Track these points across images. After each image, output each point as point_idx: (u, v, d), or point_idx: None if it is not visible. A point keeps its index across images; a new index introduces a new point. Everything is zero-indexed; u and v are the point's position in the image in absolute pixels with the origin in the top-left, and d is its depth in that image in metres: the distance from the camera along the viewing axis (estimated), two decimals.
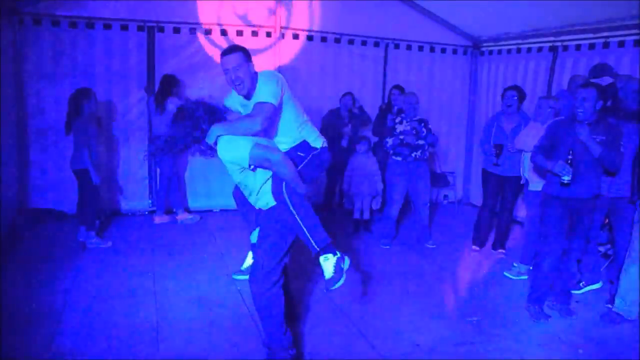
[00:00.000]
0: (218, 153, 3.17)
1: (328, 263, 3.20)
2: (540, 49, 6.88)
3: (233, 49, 3.32)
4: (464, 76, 8.23)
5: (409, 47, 7.84)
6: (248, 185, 3.37)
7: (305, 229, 3.19)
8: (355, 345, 3.81)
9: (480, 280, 5.11)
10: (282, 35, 7.18)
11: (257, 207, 3.47)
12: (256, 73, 3.33)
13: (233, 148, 3.10)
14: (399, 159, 5.82)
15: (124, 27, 6.58)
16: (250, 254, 3.99)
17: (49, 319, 3.96)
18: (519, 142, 5.18)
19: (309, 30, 7.31)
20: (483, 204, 5.90)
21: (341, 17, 7.34)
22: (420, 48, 7.91)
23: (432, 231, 6.26)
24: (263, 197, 3.35)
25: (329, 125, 6.95)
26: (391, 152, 5.85)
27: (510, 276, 5.12)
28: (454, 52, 8.10)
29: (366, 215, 6.47)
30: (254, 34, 7.08)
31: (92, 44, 6.51)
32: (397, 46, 7.78)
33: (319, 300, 4.49)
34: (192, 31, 6.84)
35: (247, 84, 3.25)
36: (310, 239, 3.18)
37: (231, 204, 6.69)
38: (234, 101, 3.52)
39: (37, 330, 3.79)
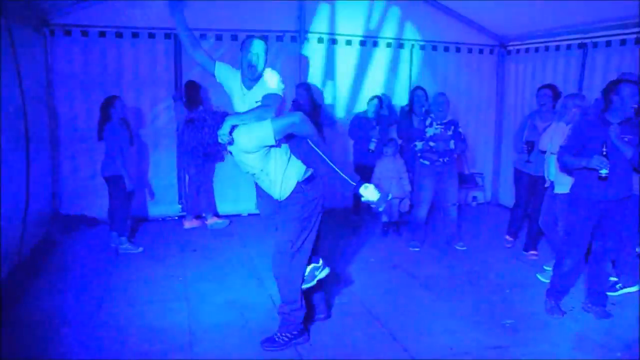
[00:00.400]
0: (239, 144, 3.34)
1: (369, 191, 3.55)
2: (569, 46, 6.76)
3: (262, 37, 3.65)
4: (491, 76, 8.13)
5: (434, 48, 7.79)
6: (270, 172, 3.51)
7: (339, 170, 3.51)
8: (387, 349, 3.78)
9: (513, 283, 5.01)
10: (307, 39, 7.19)
11: (281, 198, 3.61)
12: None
13: (256, 130, 3.31)
14: (426, 162, 5.78)
15: (151, 35, 6.69)
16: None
17: (84, 324, 4.02)
18: (543, 143, 5.11)
19: (334, 34, 7.31)
20: (515, 203, 5.83)
21: (366, 19, 7.33)
22: (446, 49, 7.84)
23: (462, 233, 6.20)
24: (289, 181, 3.54)
25: (357, 128, 6.94)
26: (419, 155, 5.80)
27: (543, 279, 5.02)
28: (480, 51, 8.01)
29: (395, 218, 6.43)
30: (279, 38, 7.12)
31: (120, 53, 6.63)
32: (422, 47, 7.73)
33: (350, 302, 4.48)
34: (218, 37, 6.90)
35: (260, 71, 3.57)
36: (346, 177, 3.53)
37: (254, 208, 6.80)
38: (229, 77, 3.72)
39: (72, 335, 3.85)
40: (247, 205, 7.13)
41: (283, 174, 3.54)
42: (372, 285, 4.90)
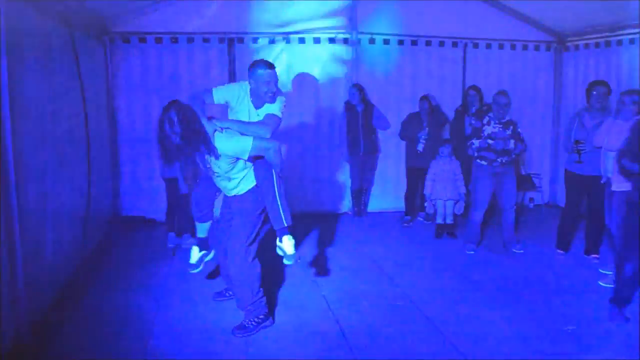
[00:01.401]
0: (218, 146, 3.54)
1: (290, 243, 3.80)
2: (632, 41, 6.48)
3: (273, 65, 3.91)
4: (548, 74, 7.89)
5: (488, 46, 7.63)
6: (232, 175, 3.77)
7: (280, 206, 3.76)
8: (442, 353, 3.71)
9: (573, 288, 4.83)
10: (359, 41, 7.18)
11: (232, 194, 3.89)
12: None
13: (236, 141, 3.58)
14: (484, 162, 5.65)
15: (206, 40, 6.83)
16: (195, 249, 4.24)
17: (143, 322, 4.13)
18: (598, 140, 4.92)
19: (385, 34, 7.27)
20: (566, 205, 5.65)
21: (418, 18, 7.25)
22: (501, 46, 7.67)
23: (519, 236, 6.04)
24: (245, 183, 3.83)
25: (407, 130, 6.88)
26: (475, 154, 5.68)
27: (605, 284, 4.81)
28: (536, 48, 7.80)
29: (449, 220, 6.34)
30: (331, 40, 7.14)
31: (176, 58, 6.80)
32: (476, 45, 7.58)
33: (404, 305, 4.43)
34: (271, 41, 6.98)
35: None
36: (282, 214, 3.78)
37: (306, 209, 6.89)
38: (228, 96, 3.95)
39: (131, 332, 3.96)
40: (295, 206, 7.18)
41: (242, 179, 3.81)
42: (426, 288, 4.83)
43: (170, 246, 5.82)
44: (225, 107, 4.09)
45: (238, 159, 3.67)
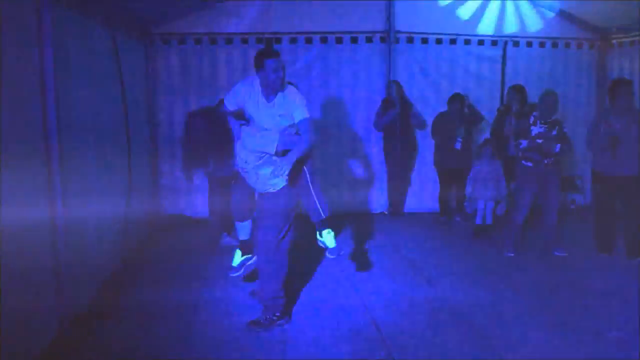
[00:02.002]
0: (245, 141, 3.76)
1: (330, 236, 3.98)
2: None
3: (279, 53, 3.88)
4: (591, 72, 7.71)
5: (529, 44, 7.48)
6: (261, 171, 3.81)
7: (316, 199, 3.87)
8: (481, 356, 3.64)
9: (617, 292, 4.68)
10: (397, 40, 7.13)
11: (265, 190, 3.89)
12: None
13: (261, 138, 3.78)
14: (529, 163, 5.51)
15: (244, 41, 6.88)
16: (237, 252, 4.32)
17: (182, 319, 4.17)
18: None
19: (423, 33, 7.20)
20: (598, 208, 5.54)
21: (457, 17, 7.17)
22: (542, 44, 7.51)
23: (561, 238, 5.89)
24: (278, 180, 3.77)
25: (441, 127, 6.80)
26: (521, 155, 5.55)
27: None
28: (579, 46, 7.62)
29: (489, 221, 6.23)
30: (368, 39, 7.11)
31: (215, 58, 6.89)
32: (516, 44, 7.44)
33: (442, 307, 4.37)
34: (308, 40, 6.99)
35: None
36: (319, 207, 3.89)
37: (342, 208, 6.88)
38: (239, 100, 3.92)
39: (170, 329, 4.00)
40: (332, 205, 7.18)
41: (272, 176, 3.75)
42: (465, 290, 4.76)
43: (225, 245, 5.87)
44: None
45: (266, 153, 3.75)
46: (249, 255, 4.24)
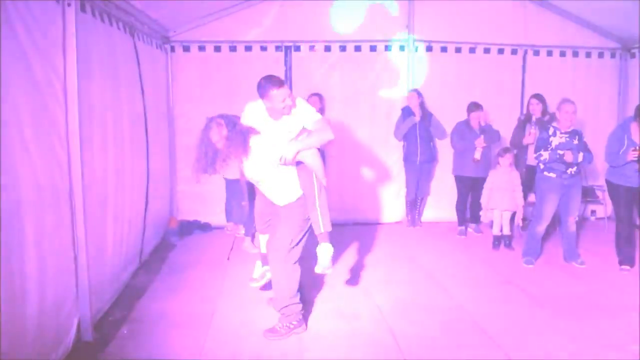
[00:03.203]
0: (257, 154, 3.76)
1: (327, 252, 3.89)
2: None
3: (283, 82, 3.88)
4: (612, 82, 7.61)
5: (549, 53, 7.43)
6: (274, 183, 3.90)
7: (319, 212, 3.83)
8: None
9: (638, 305, 4.61)
10: (416, 48, 7.13)
11: (283, 204, 3.96)
12: None
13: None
14: (552, 175, 5.44)
15: (263, 48, 6.92)
16: (258, 264, 4.37)
17: (199, 325, 4.18)
18: None
19: (443, 42, 7.19)
20: (619, 219, 5.45)
21: (476, 25, 7.16)
22: (562, 53, 7.45)
23: (581, 249, 5.81)
24: (294, 191, 3.90)
25: (460, 137, 6.76)
26: (543, 166, 5.48)
27: None
28: (600, 55, 7.54)
29: (506, 231, 6.17)
30: (388, 48, 7.12)
31: (234, 66, 6.93)
32: (536, 53, 7.39)
33: (460, 318, 4.33)
34: (327, 48, 7.02)
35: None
36: (320, 220, 3.84)
37: (360, 217, 6.86)
38: (252, 119, 3.94)
39: (187, 334, 4.02)
40: (352, 214, 7.18)
41: (286, 188, 3.90)
42: (483, 300, 4.71)
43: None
44: None
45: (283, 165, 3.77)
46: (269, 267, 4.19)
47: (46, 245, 3.34)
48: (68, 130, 3.63)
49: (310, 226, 3.98)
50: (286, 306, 3.98)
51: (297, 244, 3.95)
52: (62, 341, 3.56)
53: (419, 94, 6.88)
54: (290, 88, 6.91)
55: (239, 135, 3.70)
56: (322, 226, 3.85)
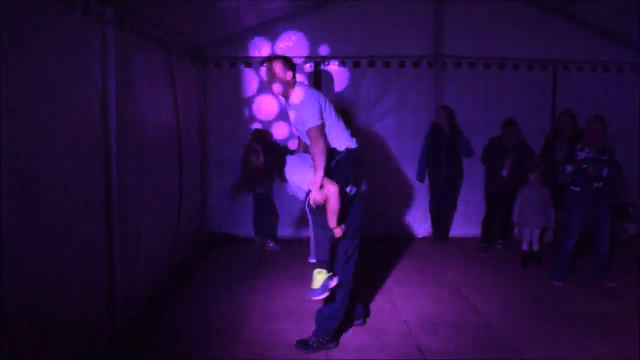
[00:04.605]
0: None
1: (320, 276, 3.73)
2: None
3: (273, 59, 3.90)
4: None
5: (580, 69, 7.37)
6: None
7: (312, 236, 3.83)
8: None
9: None
10: (444, 64, 7.15)
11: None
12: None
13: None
14: (577, 188, 5.41)
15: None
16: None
17: (228, 334, 4.25)
18: None
19: (472, 57, 7.20)
20: None
21: (504, 41, 7.15)
22: (593, 68, 7.38)
23: (612, 268, 5.71)
24: None
25: (491, 153, 6.73)
26: (569, 180, 5.45)
27: None
28: (633, 70, 7.43)
29: (535, 247, 6.10)
30: (415, 64, 7.16)
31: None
32: (566, 68, 7.34)
33: (489, 336, 4.30)
34: (356, 64, 7.10)
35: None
36: (313, 247, 3.83)
37: (387, 231, 6.85)
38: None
39: (217, 344, 4.08)
40: (378, 229, 7.19)
41: None
42: (511, 318, 4.66)
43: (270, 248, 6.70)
44: None
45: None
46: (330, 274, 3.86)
47: (84, 255, 3.46)
48: (106, 142, 3.76)
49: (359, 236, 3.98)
50: (325, 319, 3.97)
51: (352, 254, 3.94)
52: (95, 347, 3.66)
53: (448, 110, 6.89)
54: None
55: (274, 158, 3.86)
56: (313, 252, 3.84)
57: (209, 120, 7.10)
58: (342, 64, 7.13)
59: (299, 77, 6.91)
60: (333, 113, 3.87)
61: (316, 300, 3.84)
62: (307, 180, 3.71)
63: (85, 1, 3.45)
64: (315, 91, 3.93)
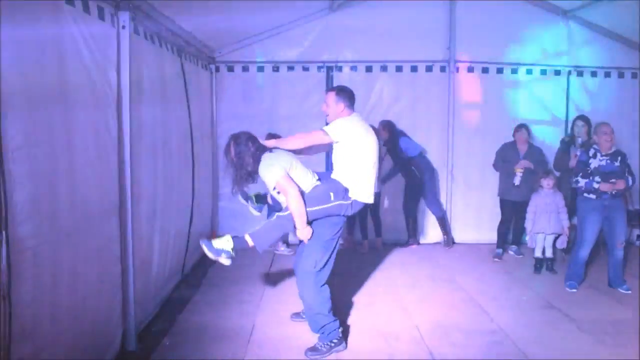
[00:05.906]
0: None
1: (224, 243, 3.97)
2: None
3: (334, 90, 4.29)
4: None
5: (594, 74, 7.32)
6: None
7: (264, 224, 4.04)
8: None
9: None
10: (457, 69, 7.14)
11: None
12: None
13: (268, 171, 3.88)
14: (592, 196, 5.34)
15: (305, 68, 7.05)
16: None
17: (239, 339, 4.25)
18: None
19: (484, 62, 7.18)
20: None
21: (517, 46, 7.13)
22: (607, 74, 7.33)
23: (627, 275, 5.65)
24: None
25: (503, 159, 6.69)
26: (583, 189, 5.41)
27: None
28: None
29: (549, 254, 6.06)
30: (428, 69, 7.16)
31: (277, 86, 7.08)
32: (580, 73, 7.30)
33: (502, 342, 4.26)
34: (368, 69, 7.10)
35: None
36: (260, 229, 4.01)
37: (401, 237, 6.84)
38: None
39: (228, 347, 4.09)
40: (389, 235, 7.17)
41: None
42: (526, 325, 4.61)
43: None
44: None
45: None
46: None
47: (99, 258, 3.48)
48: (119, 145, 3.79)
49: (336, 245, 4.09)
50: (323, 326, 4.02)
51: (324, 266, 4.03)
52: (109, 350, 3.68)
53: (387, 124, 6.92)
54: None
55: (247, 152, 3.97)
56: (252, 230, 3.98)
57: (221, 124, 7.12)
58: (355, 68, 7.14)
59: (311, 83, 7.04)
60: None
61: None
62: (271, 181, 3.88)
63: (100, 7, 3.49)
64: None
